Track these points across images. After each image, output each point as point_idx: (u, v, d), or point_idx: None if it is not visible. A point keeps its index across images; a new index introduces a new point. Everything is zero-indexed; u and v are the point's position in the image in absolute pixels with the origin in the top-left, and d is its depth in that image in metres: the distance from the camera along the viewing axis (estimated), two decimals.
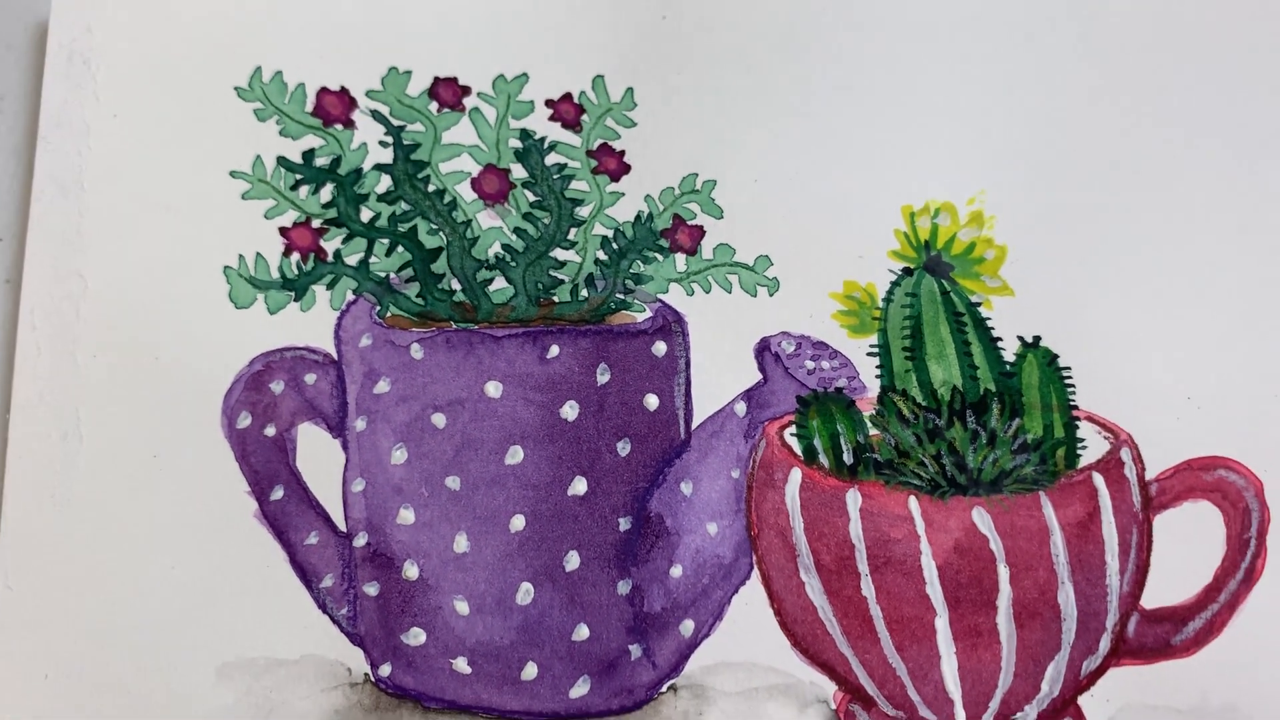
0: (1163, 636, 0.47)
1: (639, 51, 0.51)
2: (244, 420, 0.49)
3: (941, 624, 0.44)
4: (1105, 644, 0.45)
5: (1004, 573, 0.43)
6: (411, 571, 0.48)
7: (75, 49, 0.52)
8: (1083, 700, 0.48)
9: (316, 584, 0.49)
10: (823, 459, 0.46)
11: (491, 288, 0.49)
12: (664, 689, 0.49)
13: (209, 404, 0.49)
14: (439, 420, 0.47)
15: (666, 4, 0.52)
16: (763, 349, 0.49)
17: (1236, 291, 0.50)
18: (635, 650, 0.48)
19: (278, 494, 0.49)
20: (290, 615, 0.49)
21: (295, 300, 0.48)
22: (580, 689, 0.48)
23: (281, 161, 0.48)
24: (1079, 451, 0.46)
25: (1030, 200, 0.50)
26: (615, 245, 0.49)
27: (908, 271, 0.47)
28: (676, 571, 0.48)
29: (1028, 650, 0.44)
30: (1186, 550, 0.47)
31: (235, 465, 0.49)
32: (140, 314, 0.50)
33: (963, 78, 0.51)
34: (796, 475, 0.45)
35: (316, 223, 0.48)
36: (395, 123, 0.48)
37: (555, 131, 0.49)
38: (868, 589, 0.44)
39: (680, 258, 0.50)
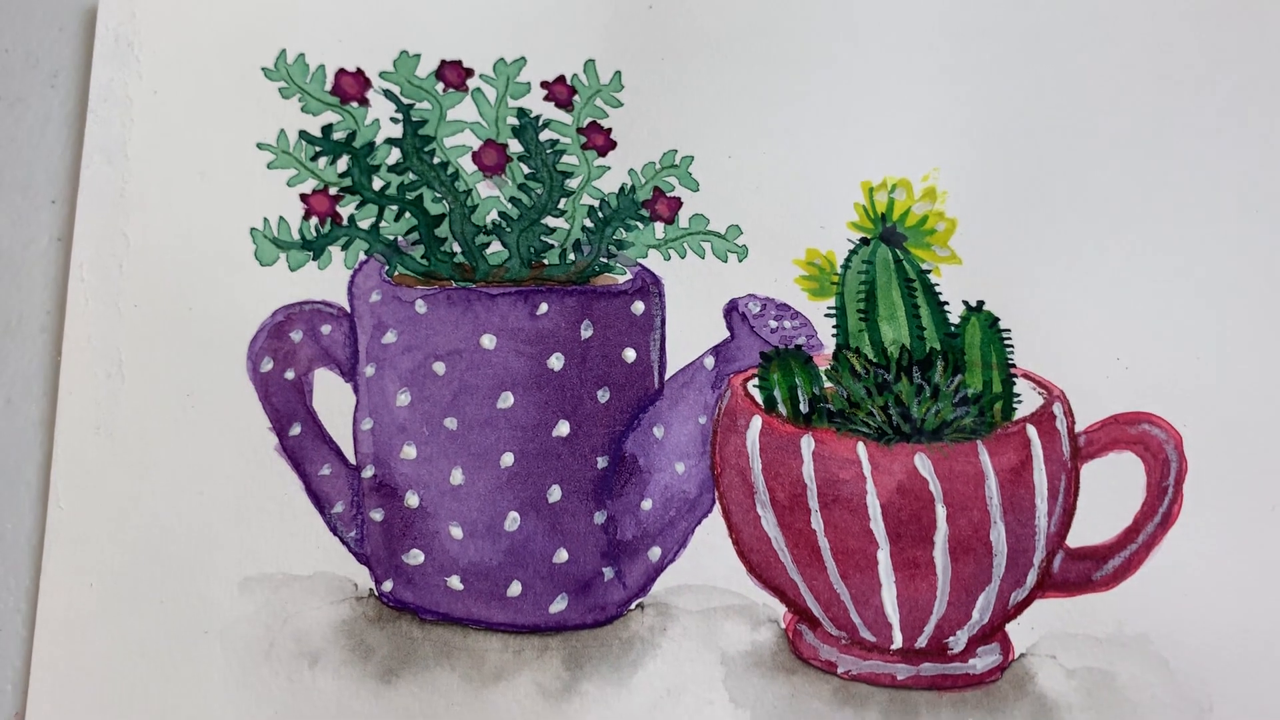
0: (1085, 572, 0.48)
1: (627, 38, 0.52)
2: (267, 365, 0.50)
3: (883, 556, 0.46)
4: (1032, 578, 0.47)
5: (942, 512, 0.45)
6: (412, 500, 0.49)
7: (121, 32, 0.53)
8: (1010, 628, 0.49)
9: (328, 510, 0.50)
10: (781, 408, 0.47)
11: (488, 251, 0.50)
12: (633, 607, 0.50)
13: (236, 350, 0.50)
14: (439, 368, 0.48)
15: None
16: (731, 309, 0.51)
17: (1162, 264, 0.50)
18: (608, 572, 0.50)
19: (296, 430, 0.50)
20: (305, 537, 0.50)
21: (314, 259, 0.50)
22: (559, 605, 0.49)
23: (303, 135, 0.49)
24: (1015, 405, 0.47)
25: (979, 178, 0.51)
26: (601, 214, 0.50)
27: (865, 241, 0.48)
28: (647, 505, 0.50)
29: (961, 582, 0.46)
30: (1110, 496, 0.48)
31: (259, 404, 0.50)
32: (176, 269, 0.51)
33: (920, 66, 0.52)
34: (757, 422, 0.47)
35: (333, 190, 0.49)
36: (405, 101, 0.49)
37: (549, 110, 0.50)
38: (817, 523, 0.46)
39: (659, 226, 0.51)
